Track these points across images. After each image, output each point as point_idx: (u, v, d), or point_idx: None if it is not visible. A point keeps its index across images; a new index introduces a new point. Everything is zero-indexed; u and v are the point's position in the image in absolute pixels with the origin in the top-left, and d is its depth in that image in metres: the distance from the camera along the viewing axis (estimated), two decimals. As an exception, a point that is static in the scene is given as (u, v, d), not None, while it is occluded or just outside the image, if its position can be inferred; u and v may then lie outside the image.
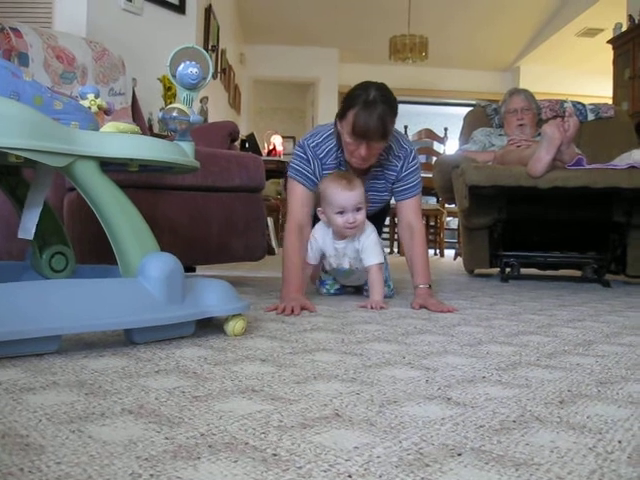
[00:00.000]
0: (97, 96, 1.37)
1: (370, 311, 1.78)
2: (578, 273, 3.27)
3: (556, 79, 8.84)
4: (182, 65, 1.28)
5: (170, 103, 3.43)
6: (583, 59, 8.40)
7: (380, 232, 2.39)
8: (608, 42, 5.87)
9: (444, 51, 8.26)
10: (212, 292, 1.28)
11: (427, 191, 4.91)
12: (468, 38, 8.35)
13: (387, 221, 4.86)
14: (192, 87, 1.31)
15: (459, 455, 0.64)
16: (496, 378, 1.00)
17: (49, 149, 1.05)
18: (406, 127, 5.42)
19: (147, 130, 3.20)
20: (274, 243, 4.66)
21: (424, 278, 1.97)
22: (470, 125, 3.52)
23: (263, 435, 0.68)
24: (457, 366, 1.08)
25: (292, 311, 1.65)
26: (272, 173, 5.07)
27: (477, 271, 3.49)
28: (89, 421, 0.71)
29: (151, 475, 0.56)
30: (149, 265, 1.18)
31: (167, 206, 2.11)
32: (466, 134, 3.48)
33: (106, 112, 1.40)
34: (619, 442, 0.70)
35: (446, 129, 5.60)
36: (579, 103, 3.57)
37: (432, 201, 5.92)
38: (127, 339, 1.18)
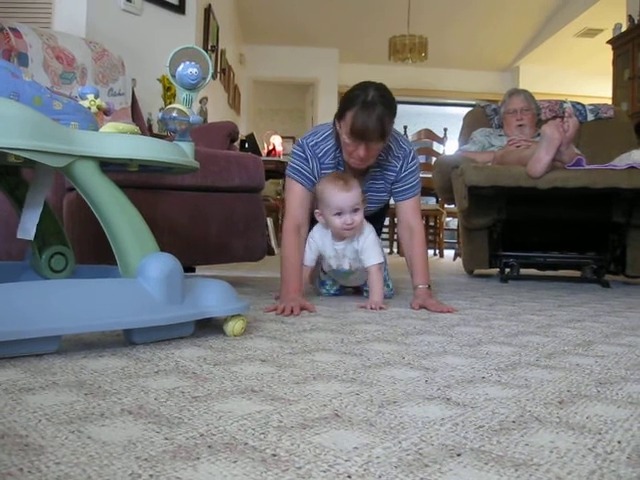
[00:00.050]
0: (97, 96, 1.37)
1: (370, 311, 1.78)
2: (577, 273, 3.27)
3: (556, 79, 8.85)
4: (182, 65, 1.28)
5: (170, 103, 3.42)
6: (583, 59, 8.40)
7: (380, 232, 2.39)
8: (608, 42, 5.87)
9: (444, 51, 8.27)
10: (211, 292, 1.28)
11: (427, 191, 4.91)
12: (468, 38, 8.35)
13: (387, 221, 4.86)
14: (192, 87, 1.30)
15: (458, 455, 0.64)
16: (495, 378, 1.00)
17: (49, 149, 1.05)
18: (405, 127, 5.43)
19: (147, 130, 3.20)
20: (273, 243, 4.66)
21: (423, 278, 1.96)
22: (469, 125, 3.52)
23: (262, 435, 0.68)
24: (456, 366, 1.08)
25: (291, 311, 1.65)
26: (271, 173, 5.07)
27: (476, 271, 3.49)
28: (88, 421, 0.71)
29: (150, 475, 0.56)
30: (149, 265, 1.18)
31: (167, 206, 2.11)
32: (465, 134, 3.48)
33: (105, 112, 1.40)
34: (618, 442, 0.70)
35: (445, 129, 5.60)
36: (578, 103, 3.57)
37: (432, 201, 5.92)
38: (126, 339, 1.18)
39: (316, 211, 1.94)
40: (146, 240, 1.22)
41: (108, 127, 1.31)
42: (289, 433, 0.69)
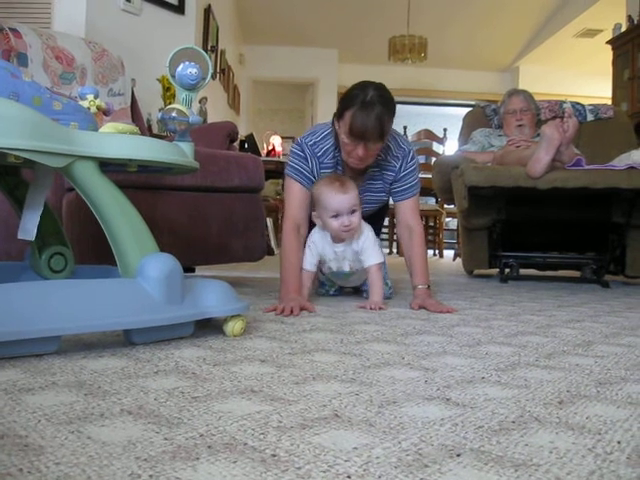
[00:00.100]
0: (96, 97, 1.37)
1: (369, 311, 1.78)
2: (577, 274, 3.27)
3: (555, 80, 8.85)
4: (181, 66, 1.28)
5: (169, 104, 3.42)
6: (582, 60, 8.41)
7: (379, 232, 2.39)
8: (607, 43, 5.87)
9: (443, 52, 8.27)
10: (211, 293, 1.28)
11: (426, 192, 4.92)
12: (467, 38, 8.36)
13: (386, 221, 4.86)
14: (191, 88, 1.31)
15: (458, 456, 0.64)
16: (495, 379, 1.00)
17: (48, 149, 1.05)
18: (405, 128, 5.43)
19: (146, 130, 3.20)
20: (273, 243, 4.67)
21: (423, 278, 1.96)
22: (469, 126, 3.52)
23: (262, 436, 0.68)
24: (456, 367, 1.08)
25: (291, 312, 1.65)
26: (271, 173, 5.07)
27: (476, 272, 3.49)
28: (88, 422, 0.71)
29: (150, 476, 0.56)
30: (148, 266, 1.18)
31: (166, 206, 2.11)
32: (465, 135, 3.48)
33: (105, 113, 1.40)
34: (618, 443, 0.70)
35: (445, 130, 5.60)
36: (578, 104, 3.57)
37: (431, 202, 5.92)
38: (126, 340, 1.18)
39: (313, 214, 1.93)
40: (146, 240, 1.22)
41: (108, 127, 1.31)
42: (289, 433, 0.69)
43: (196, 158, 1.36)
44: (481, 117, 3.56)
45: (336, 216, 1.84)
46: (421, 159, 5.17)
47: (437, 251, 6.19)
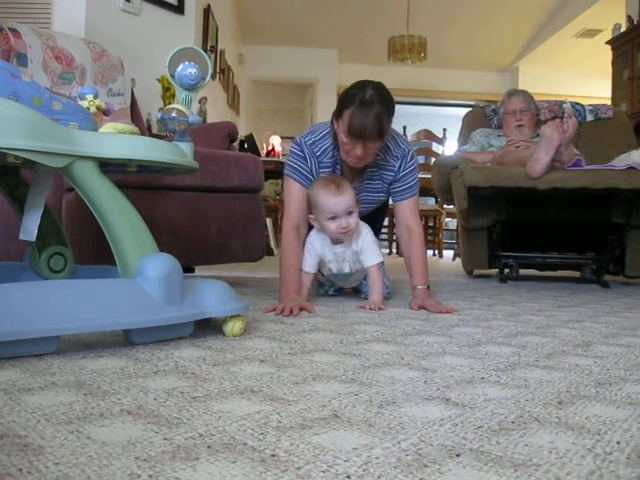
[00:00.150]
0: (96, 97, 1.37)
1: (369, 312, 1.78)
2: (577, 274, 3.27)
3: (555, 80, 8.86)
4: (181, 66, 1.28)
5: (169, 104, 3.42)
6: (582, 60, 8.41)
7: (379, 233, 2.39)
8: (607, 43, 5.88)
9: (443, 52, 8.27)
10: (211, 293, 1.28)
11: (426, 192, 4.92)
12: (467, 39, 8.36)
13: (386, 222, 4.86)
14: (191, 88, 1.31)
15: (458, 456, 0.64)
16: (495, 379, 1.00)
17: (48, 150, 1.05)
18: (405, 128, 5.43)
19: (146, 131, 3.20)
20: (273, 244, 4.66)
21: (422, 279, 1.96)
22: (469, 126, 3.52)
23: (262, 436, 0.68)
24: (456, 367, 1.08)
25: (291, 312, 1.65)
26: (271, 174, 5.07)
27: (476, 272, 3.49)
28: (88, 422, 0.71)
29: (150, 476, 0.56)
30: (148, 266, 1.18)
31: (166, 206, 2.10)
32: (465, 135, 3.48)
33: (105, 113, 1.40)
34: (618, 443, 0.70)
35: (445, 130, 5.61)
36: (578, 104, 3.58)
37: (431, 202, 5.92)
38: (126, 340, 1.18)
39: (310, 216, 1.92)
40: (145, 240, 1.22)
41: (107, 127, 1.31)
42: (288, 433, 0.69)
43: (196, 158, 1.36)
44: (481, 117, 3.56)
45: (333, 218, 1.84)
46: (421, 159, 5.17)
47: (437, 251, 6.19)
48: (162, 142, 1.26)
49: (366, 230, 1.94)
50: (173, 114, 1.28)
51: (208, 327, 1.37)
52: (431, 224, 6.28)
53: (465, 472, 0.60)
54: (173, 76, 1.30)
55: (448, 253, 6.36)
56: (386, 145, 1.97)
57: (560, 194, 2.67)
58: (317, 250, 1.94)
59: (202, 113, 4.68)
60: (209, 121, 4.39)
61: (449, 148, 5.36)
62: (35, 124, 1.03)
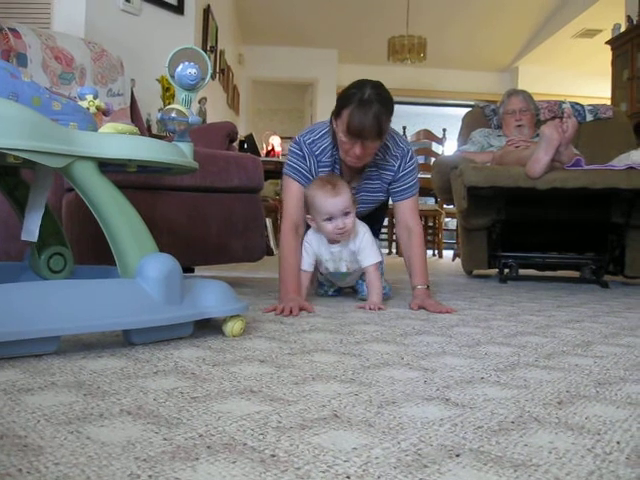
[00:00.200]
0: (95, 97, 1.37)
1: (368, 312, 1.78)
2: (576, 274, 3.27)
3: (555, 80, 8.86)
4: (181, 66, 1.28)
5: (169, 104, 3.43)
6: (582, 60, 8.41)
7: (379, 233, 2.39)
8: (607, 43, 5.88)
9: (442, 52, 8.27)
10: (210, 293, 1.28)
11: (425, 192, 4.92)
12: (467, 39, 8.36)
13: (385, 222, 4.86)
14: (191, 88, 1.31)
15: (457, 456, 0.64)
16: (494, 379, 1.00)
17: (48, 150, 1.05)
18: (404, 128, 5.43)
19: (145, 131, 3.20)
20: (272, 244, 4.66)
21: (422, 279, 1.96)
22: (469, 126, 3.52)
23: (262, 436, 0.68)
24: (455, 367, 1.08)
25: (290, 312, 1.65)
26: (270, 174, 5.08)
27: (475, 272, 3.49)
28: (87, 422, 0.71)
29: (149, 476, 0.56)
30: (147, 266, 1.18)
31: (166, 207, 2.10)
32: (465, 135, 3.48)
33: (104, 113, 1.40)
34: (617, 443, 0.70)
35: (444, 130, 5.61)
36: (577, 104, 3.58)
37: (430, 202, 5.92)
38: (125, 340, 1.18)
39: (307, 217, 1.92)
40: (145, 240, 1.22)
41: (107, 127, 1.31)
42: (288, 434, 0.69)
43: (195, 158, 1.36)
44: (480, 117, 3.56)
45: (329, 219, 1.84)
46: (420, 159, 5.17)
47: (436, 251, 6.19)
48: (162, 142, 1.26)
49: (364, 230, 1.93)
50: (173, 114, 1.28)
51: (208, 327, 1.37)
52: (431, 224, 6.28)
53: (465, 472, 0.60)
54: (173, 76, 1.30)
55: (448, 253, 6.36)
56: (385, 145, 1.97)
57: (560, 194, 2.67)
58: (314, 248, 1.94)
59: (202, 113, 4.68)
60: (209, 121, 4.39)
61: (449, 148, 5.36)
62: (35, 124, 1.03)
